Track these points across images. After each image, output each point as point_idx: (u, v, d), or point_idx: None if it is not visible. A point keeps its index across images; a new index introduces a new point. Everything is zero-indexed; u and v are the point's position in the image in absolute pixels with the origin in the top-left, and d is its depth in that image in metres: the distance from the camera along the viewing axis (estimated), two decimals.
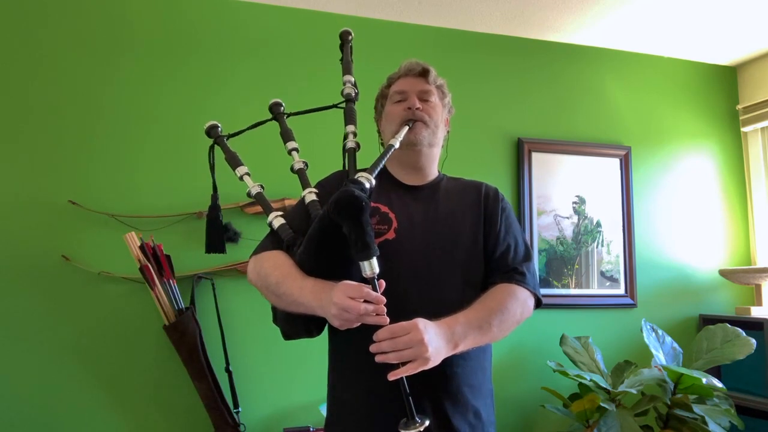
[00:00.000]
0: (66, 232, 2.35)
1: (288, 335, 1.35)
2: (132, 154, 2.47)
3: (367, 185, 1.19)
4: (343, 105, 1.48)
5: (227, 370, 2.38)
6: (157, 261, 2.31)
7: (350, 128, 1.43)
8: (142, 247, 2.29)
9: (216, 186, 1.53)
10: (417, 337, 1.08)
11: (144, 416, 2.36)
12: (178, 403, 2.39)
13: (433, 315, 1.17)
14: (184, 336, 2.29)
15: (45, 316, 2.30)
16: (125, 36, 2.52)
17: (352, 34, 1.60)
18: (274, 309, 1.34)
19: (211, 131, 1.47)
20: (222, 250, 1.54)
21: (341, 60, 1.56)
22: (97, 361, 2.34)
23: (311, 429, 2.40)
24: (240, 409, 2.38)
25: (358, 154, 1.43)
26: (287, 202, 2.47)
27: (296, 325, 1.29)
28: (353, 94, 1.49)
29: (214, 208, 1.53)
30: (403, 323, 1.10)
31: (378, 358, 1.08)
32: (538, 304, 1.36)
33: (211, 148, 1.48)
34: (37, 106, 2.39)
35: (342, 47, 1.58)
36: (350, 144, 1.41)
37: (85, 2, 2.50)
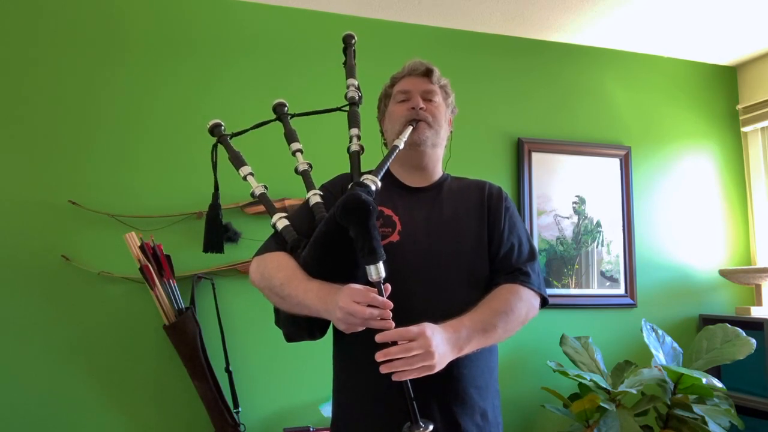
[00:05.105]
0: (66, 232, 2.35)
1: (291, 338, 1.34)
2: (132, 154, 2.46)
3: (373, 188, 1.18)
4: (347, 108, 1.48)
5: (227, 370, 2.38)
6: (157, 261, 2.31)
7: (354, 131, 1.42)
8: (142, 247, 2.29)
9: (217, 185, 1.52)
10: (425, 343, 1.07)
11: (144, 416, 2.36)
12: (178, 403, 2.39)
13: (439, 317, 1.17)
14: (184, 336, 2.29)
15: (45, 316, 2.30)
16: (124, 36, 2.52)
17: (355, 38, 1.59)
18: (277, 311, 1.33)
19: (215, 130, 1.46)
20: (220, 250, 1.52)
21: (344, 64, 1.55)
22: (97, 361, 2.33)
23: (311, 429, 2.40)
24: (240, 409, 2.37)
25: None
26: (287, 202, 2.46)
27: (299, 327, 1.28)
28: (357, 98, 1.48)
29: (215, 207, 1.52)
30: (411, 328, 1.09)
31: (383, 368, 1.07)
32: (544, 303, 1.35)
33: (214, 146, 1.47)
34: (37, 107, 2.39)
35: (345, 51, 1.58)
36: (354, 147, 1.40)
37: (84, 2, 2.49)
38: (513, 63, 3.04)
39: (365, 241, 1.10)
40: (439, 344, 1.10)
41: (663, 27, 2.94)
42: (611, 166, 3.10)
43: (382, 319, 1.09)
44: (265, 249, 1.33)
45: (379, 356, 1.07)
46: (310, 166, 1.40)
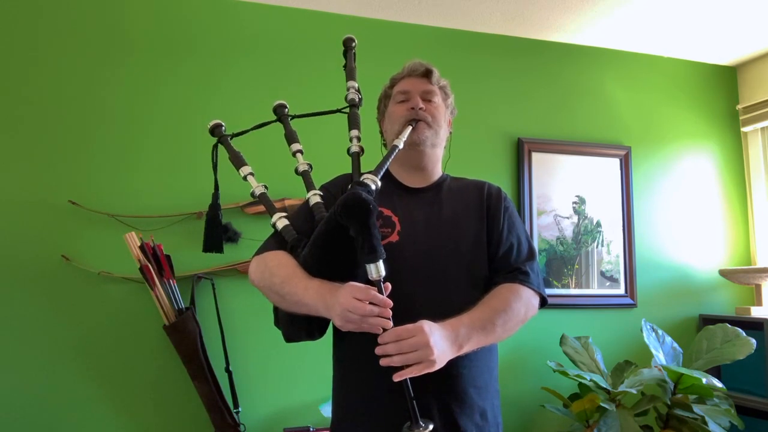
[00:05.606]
0: (66, 232, 2.35)
1: (290, 338, 1.34)
2: (132, 154, 2.46)
3: (373, 187, 1.19)
4: (347, 110, 1.48)
5: (227, 370, 2.38)
6: (157, 261, 2.31)
7: (354, 133, 1.43)
8: (142, 247, 2.29)
9: (217, 185, 1.52)
10: (423, 340, 1.08)
11: (144, 416, 2.36)
12: (178, 403, 2.38)
13: (439, 316, 1.17)
14: (184, 336, 2.29)
15: (45, 316, 2.30)
16: (125, 36, 2.52)
17: (356, 41, 1.60)
18: (276, 311, 1.34)
19: (215, 130, 1.46)
20: (219, 250, 1.53)
21: (344, 66, 1.56)
22: (97, 361, 2.33)
23: (311, 429, 2.40)
24: (240, 409, 2.37)
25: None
26: (287, 202, 2.47)
27: (298, 327, 1.28)
28: (357, 100, 1.49)
29: (214, 207, 1.52)
30: (409, 326, 1.10)
31: (383, 362, 1.08)
32: (543, 303, 1.36)
33: (215, 147, 1.48)
34: (37, 106, 2.39)
35: (345, 54, 1.58)
36: (354, 148, 1.40)
37: (84, 2, 2.49)
38: (513, 63, 3.04)
39: (365, 239, 1.10)
40: (438, 341, 1.11)
41: (663, 27, 2.94)
42: (611, 166, 3.10)
43: (380, 317, 1.09)
44: (264, 248, 1.34)
45: (379, 350, 1.09)
46: (311, 166, 1.40)
